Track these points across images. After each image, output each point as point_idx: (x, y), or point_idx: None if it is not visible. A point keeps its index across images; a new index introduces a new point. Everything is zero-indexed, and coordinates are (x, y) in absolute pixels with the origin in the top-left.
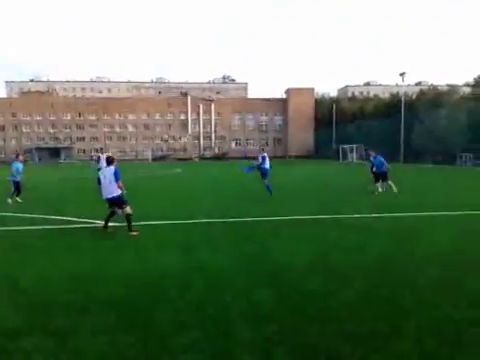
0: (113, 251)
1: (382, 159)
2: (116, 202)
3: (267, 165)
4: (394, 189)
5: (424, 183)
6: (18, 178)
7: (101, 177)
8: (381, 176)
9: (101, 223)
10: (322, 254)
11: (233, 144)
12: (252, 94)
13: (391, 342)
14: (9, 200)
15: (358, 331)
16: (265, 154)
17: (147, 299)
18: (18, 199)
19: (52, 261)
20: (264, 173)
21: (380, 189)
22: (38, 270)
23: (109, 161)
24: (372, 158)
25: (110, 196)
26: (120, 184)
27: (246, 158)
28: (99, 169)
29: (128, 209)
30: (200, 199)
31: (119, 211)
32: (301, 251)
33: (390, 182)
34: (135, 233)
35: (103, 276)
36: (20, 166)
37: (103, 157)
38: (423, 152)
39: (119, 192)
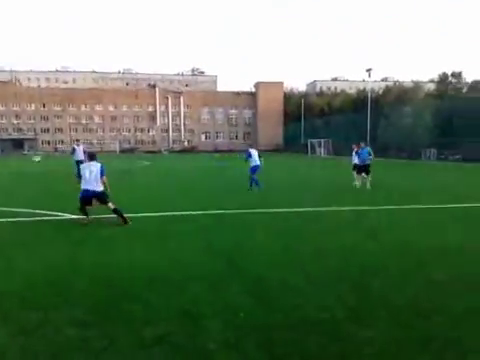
0: (81, 244)
1: (369, 149)
2: (101, 197)
3: (257, 162)
4: (368, 185)
5: (396, 177)
6: None
7: (86, 171)
8: (364, 169)
9: (69, 216)
10: (295, 248)
11: (203, 137)
12: (221, 87)
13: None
14: None
15: (332, 327)
16: (251, 150)
17: (116, 292)
18: None
19: (20, 254)
20: (253, 169)
21: (358, 182)
22: (5, 262)
23: (93, 157)
24: (357, 150)
25: (98, 190)
26: (104, 179)
27: (217, 151)
28: (78, 161)
29: (111, 204)
30: (169, 192)
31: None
32: (274, 244)
33: (369, 177)
34: (130, 222)
35: (72, 269)
36: None
37: (79, 148)
38: (388, 147)
39: (102, 188)
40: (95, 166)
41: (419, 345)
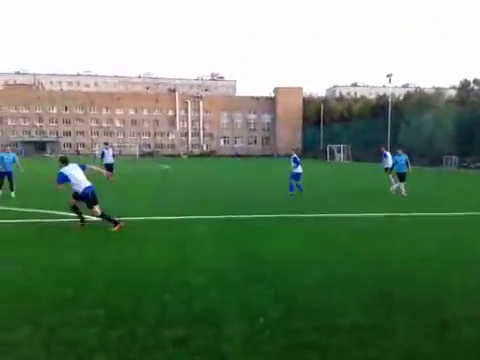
0: (101, 245)
1: (406, 158)
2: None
3: (301, 169)
4: (393, 192)
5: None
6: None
7: (77, 173)
8: (402, 175)
9: (89, 218)
10: (317, 253)
11: (221, 142)
12: (240, 92)
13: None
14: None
15: (350, 327)
16: (296, 155)
17: (136, 294)
18: None
19: (40, 254)
20: (295, 177)
21: (395, 186)
22: (25, 264)
23: (66, 161)
24: (390, 155)
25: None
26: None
27: (237, 156)
28: (107, 165)
29: (73, 200)
30: (190, 196)
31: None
32: (295, 249)
33: (403, 184)
34: (84, 223)
35: (92, 270)
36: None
37: (108, 152)
38: (409, 154)
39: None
40: (76, 167)
41: (443, 355)
